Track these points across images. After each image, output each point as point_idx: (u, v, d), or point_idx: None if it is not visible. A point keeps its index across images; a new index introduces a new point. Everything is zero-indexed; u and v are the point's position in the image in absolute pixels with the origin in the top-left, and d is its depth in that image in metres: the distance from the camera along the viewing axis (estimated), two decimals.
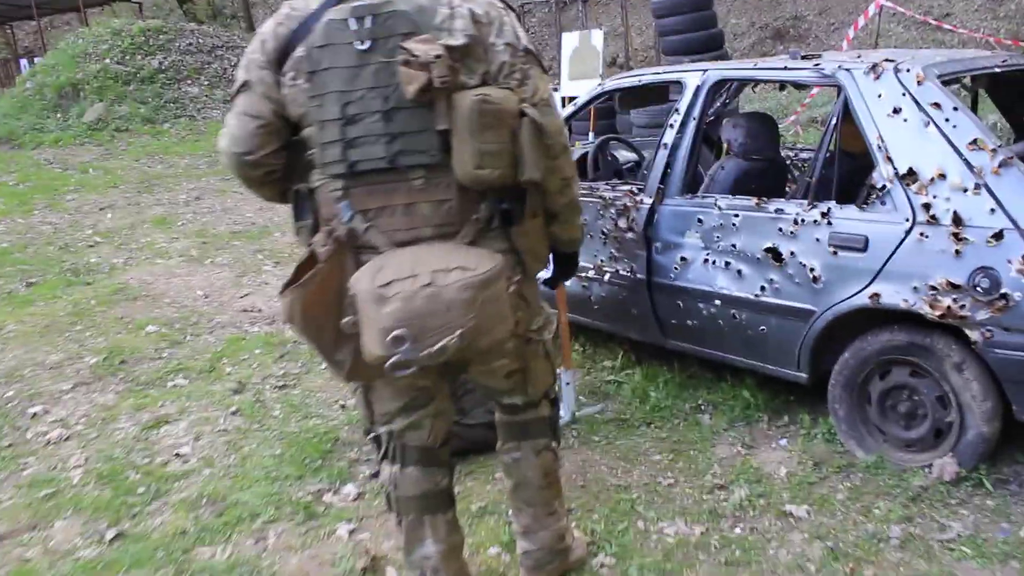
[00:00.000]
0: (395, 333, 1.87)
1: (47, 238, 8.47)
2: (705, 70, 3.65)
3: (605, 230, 3.85)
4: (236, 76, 2.13)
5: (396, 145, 1.99)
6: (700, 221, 3.46)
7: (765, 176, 3.74)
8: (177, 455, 3.83)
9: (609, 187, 3.86)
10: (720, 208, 3.39)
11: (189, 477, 3.61)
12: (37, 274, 7.13)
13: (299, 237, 2.19)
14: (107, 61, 16.31)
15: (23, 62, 22.64)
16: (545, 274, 2.47)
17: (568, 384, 3.69)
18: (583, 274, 4.00)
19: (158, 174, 11.65)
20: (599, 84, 4.14)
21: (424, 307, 1.87)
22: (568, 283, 4.06)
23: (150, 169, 12.12)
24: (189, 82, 16.60)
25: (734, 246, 3.34)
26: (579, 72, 9.95)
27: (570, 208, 2.24)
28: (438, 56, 1.90)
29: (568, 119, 4.26)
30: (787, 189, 4.00)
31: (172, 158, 12.86)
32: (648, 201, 3.65)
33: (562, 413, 3.72)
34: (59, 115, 15.62)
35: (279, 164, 2.14)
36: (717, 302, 3.43)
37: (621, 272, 3.80)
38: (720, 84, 3.69)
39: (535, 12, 18.34)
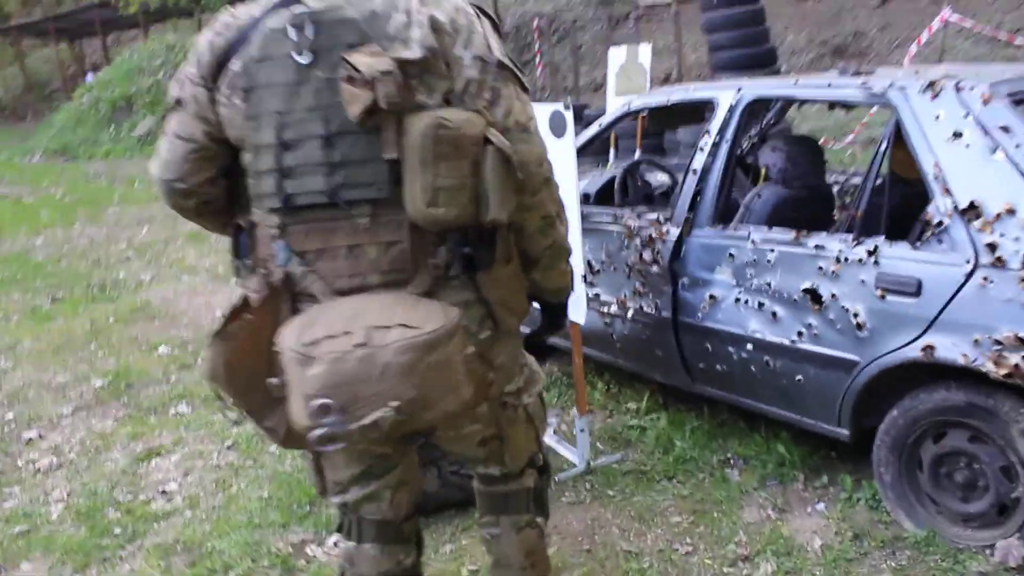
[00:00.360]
0: (319, 402, 1.56)
1: (82, 251, 8.41)
2: (739, 88, 3.29)
3: (629, 262, 3.51)
4: (169, 93, 1.84)
5: (338, 176, 1.68)
6: (731, 256, 3.10)
7: (807, 206, 3.36)
8: (163, 492, 3.58)
9: (634, 215, 3.52)
10: (754, 242, 3.03)
11: (170, 518, 3.35)
12: (64, 289, 7.03)
13: (238, 278, 1.89)
14: (160, 76, 16.47)
15: (89, 76, 23.11)
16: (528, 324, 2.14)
17: (583, 431, 3.35)
18: (605, 309, 3.66)
19: None
20: (625, 103, 3.81)
21: (355, 372, 1.55)
22: (587, 319, 3.74)
23: None
24: None
25: (768, 285, 2.98)
26: (625, 88, 9.61)
27: (553, 252, 1.89)
28: (386, 72, 1.58)
29: (592, 140, 3.94)
30: (835, 218, 3.62)
31: None
32: (675, 232, 3.30)
33: (575, 461, 3.39)
34: (112, 129, 15.83)
35: (215, 193, 1.85)
36: (749, 347, 3.06)
37: (645, 309, 3.45)
38: (756, 104, 3.33)
39: (588, 28, 18.02)
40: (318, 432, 1.58)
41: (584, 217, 3.71)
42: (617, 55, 9.77)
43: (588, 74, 16.16)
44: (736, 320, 3.10)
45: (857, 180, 4.21)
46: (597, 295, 3.71)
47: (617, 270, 3.60)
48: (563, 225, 1.87)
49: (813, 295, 2.84)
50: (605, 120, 3.87)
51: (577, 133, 3.34)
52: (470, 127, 1.63)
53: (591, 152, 9.86)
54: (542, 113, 3.04)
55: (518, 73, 1.75)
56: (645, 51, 9.40)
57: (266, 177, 1.73)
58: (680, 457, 3.37)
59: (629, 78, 9.62)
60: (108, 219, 9.95)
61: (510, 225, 1.78)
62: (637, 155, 5.62)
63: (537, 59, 14.64)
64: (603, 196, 4.21)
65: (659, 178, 4.51)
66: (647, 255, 3.41)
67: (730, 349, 3.15)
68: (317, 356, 1.57)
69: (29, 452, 4.08)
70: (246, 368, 1.75)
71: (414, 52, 1.63)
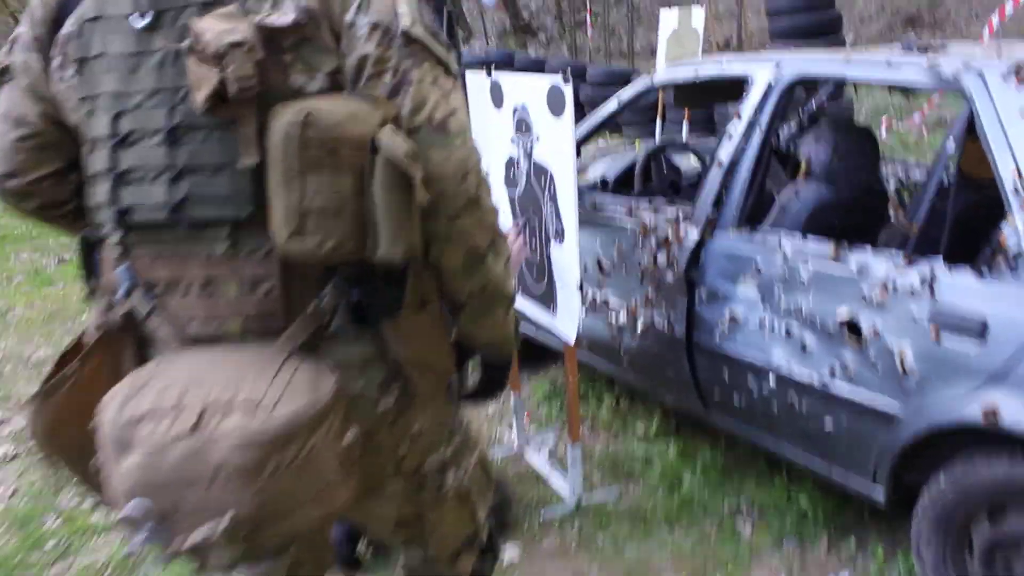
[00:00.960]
0: (132, 504, 1.13)
1: None
2: (778, 64, 2.75)
3: (642, 265, 3.01)
4: None
5: (182, 187, 1.23)
6: (758, 268, 2.59)
7: (854, 210, 2.82)
8: None
9: (650, 209, 3.02)
10: (785, 253, 2.51)
11: (110, 533, 2.99)
12: (71, 251, 6.74)
13: (91, 304, 1.46)
14: None
15: None
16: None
17: (575, 461, 2.89)
18: (614, 317, 3.18)
19: None
20: (647, 76, 3.28)
21: (178, 470, 1.11)
22: (594, 326, 3.26)
23: None
24: None
25: (800, 308, 2.46)
26: (677, 55, 8.95)
27: (484, 298, 1.39)
28: (237, 43, 1.12)
29: (610, 119, 3.42)
30: (891, 218, 3.08)
31: None
32: (694, 234, 2.79)
33: (565, 497, 2.94)
34: None
35: (63, 196, 1.41)
36: (772, 381, 2.56)
37: (657, 322, 2.96)
38: (798, 83, 2.78)
39: None
40: (135, 540, 1.17)
41: (597, 207, 3.22)
42: (668, 18, 9.11)
43: (644, 37, 15.40)
44: (759, 347, 2.60)
45: (919, 175, 3.63)
46: (606, 300, 3.23)
47: (629, 273, 3.10)
48: (499, 260, 1.38)
49: (852, 327, 2.32)
50: (624, 95, 3.34)
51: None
52: (353, 125, 1.16)
53: (635, 122, 9.33)
54: (539, 86, 2.55)
55: (438, 50, 1.27)
56: (699, 14, 8.73)
57: (100, 181, 1.30)
58: (687, 499, 2.89)
59: (681, 44, 8.97)
60: None
61: (427, 258, 1.32)
62: (657, 137, 5.03)
63: (588, 19, 13.95)
64: (625, 182, 3.70)
65: (692, 163, 3.97)
66: (661, 259, 2.91)
67: (750, 380, 2.65)
68: (135, 441, 1.15)
69: None
70: (76, 432, 1.33)
71: (285, 15, 1.17)
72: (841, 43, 8.96)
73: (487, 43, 16.75)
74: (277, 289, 1.24)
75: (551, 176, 2.62)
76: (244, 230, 1.23)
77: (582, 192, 3.41)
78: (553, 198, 2.63)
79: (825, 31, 8.87)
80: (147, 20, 1.21)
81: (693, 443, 3.24)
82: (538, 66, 11.75)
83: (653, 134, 9.27)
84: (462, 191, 1.26)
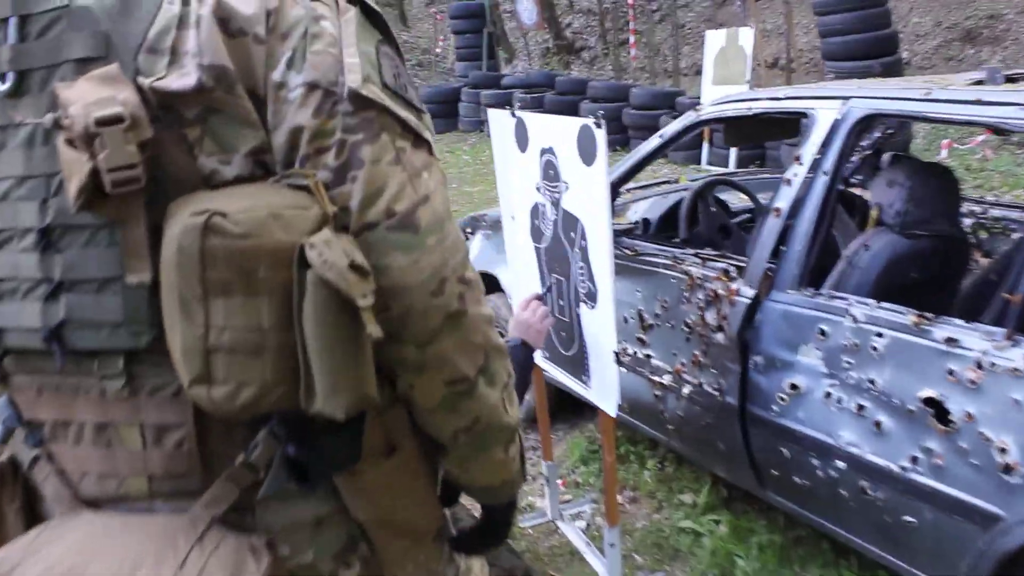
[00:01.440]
0: None
1: None
2: (846, 98, 2.41)
3: (689, 322, 2.68)
4: None
5: (60, 306, 0.93)
6: (823, 333, 2.25)
7: (932, 262, 2.47)
8: None
9: (697, 260, 2.69)
10: (855, 319, 2.17)
11: None
12: None
13: None
14: None
15: None
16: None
17: (612, 546, 2.55)
18: (657, 378, 2.85)
19: None
20: (695, 111, 2.97)
21: None
22: (635, 385, 2.94)
23: None
24: None
25: (872, 383, 2.12)
26: (724, 76, 8.63)
27: (477, 435, 1.06)
28: (110, 119, 0.83)
29: (651, 156, 3.10)
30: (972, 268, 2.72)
31: None
32: (748, 292, 2.45)
33: None
34: None
35: None
36: (840, 463, 2.22)
37: (705, 387, 2.62)
38: (869, 121, 2.44)
39: (692, 6, 16.88)
40: None
41: (637, 253, 2.91)
42: (715, 39, 8.79)
43: (690, 56, 15.02)
44: (824, 423, 2.25)
45: (999, 212, 3.26)
46: (648, 357, 2.91)
47: (675, 329, 2.78)
48: (496, 385, 1.05)
49: (938, 409, 1.97)
50: (667, 132, 3.02)
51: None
52: (274, 230, 0.85)
53: (680, 147, 8.96)
54: (568, 129, 2.24)
55: (404, 114, 0.95)
56: (746, 35, 8.39)
57: None
58: None
59: (728, 65, 8.64)
60: None
61: (394, 388, 1.02)
62: (703, 159, 4.68)
63: (631, 39, 13.64)
64: (668, 223, 3.38)
65: (742, 202, 3.64)
66: (711, 317, 2.58)
67: (814, 460, 2.30)
68: None
69: None
70: None
71: (185, 76, 0.87)
72: (897, 63, 8.54)
73: (529, 63, 16.52)
74: (191, 440, 0.93)
75: (582, 229, 2.31)
76: (143, 363, 0.92)
77: (621, 235, 3.11)
78: (584, 255, 2.32)
79: (880, 51, 8.45)
80: (8, 84, 0.91)
81: (747, 519, 2.89)
82: (579, 86, 11.48)
83: (699, 159, 8.92)
84: (437, 306, 0.95)
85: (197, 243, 0.82)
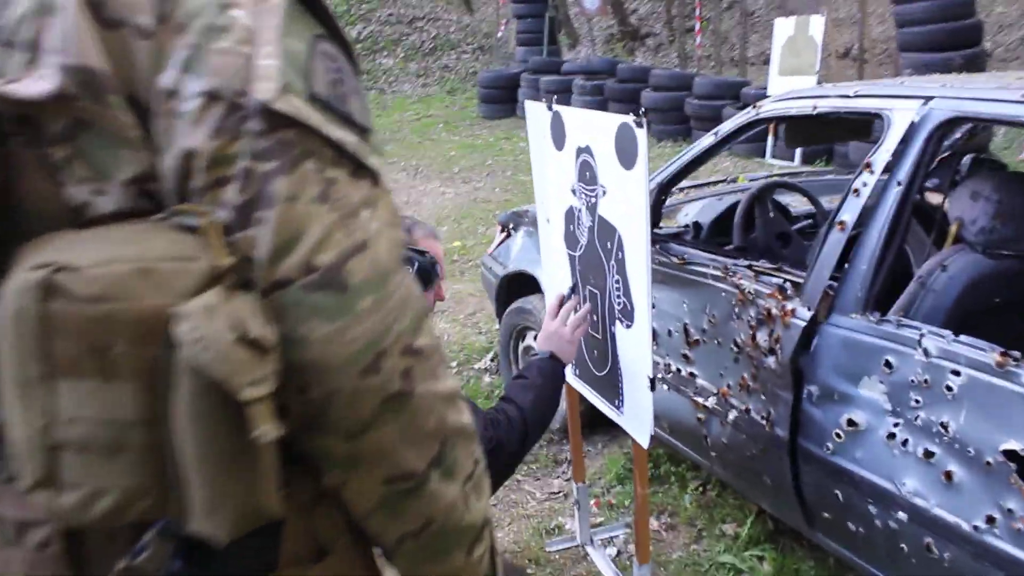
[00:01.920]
0: None
1: None
2: (927, 98, 2.12)
3: (738, 341, 2.43)
4: None
5: None
6: (889, 366, 1.98)
7: (1018, 284, 2.17)
8: None
9: (750, 273, 2.43)
10: (927, 352, 1.90)
11: None
12: None
13: None
14: None
15: None
16: None
17: None
18: (701, 400, 2.61)
19: None
20: (754, 108, 2.69)
21: None
22: (677, 405, 2.70)
23: None
24: (385, 54, 16.12)
25: (945, 427, 1.85)
26: (791, 67, 8.25)
27: (429, 538, 0.83)
28: None
29: (706, 155, 2.83)
30: None
31: None
32: (805, 314, 2.19)
33: None
34: None
35: None
36: (902, 514, 1.95)
37: (753, 415, 2.37)
38: (952, 125, 2.15)
39: None
40: None
41: (685, 262, 2.66)
42: (784, 27, 8.39)
43: (758, 45, 14.52)
44: (886, 467, 1.99)
45: None
46: (692, 375, 2.66)
47: (722, 347, 2.53)
48: (455, 478, 0.82)
49: (1022, 465, 1.70)
50: (723, 129, 2.75)
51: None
52: (139, 292, 0.64)
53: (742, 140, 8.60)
54: (606, 127, 2.01)
55: (337, 134, 0.73)
56: (817, 23, 7.99)
57: None
58: None
59: (797, 54, 8.24)
60: None
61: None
62: (768, 152, 4.33)
63: (697, 26, 13.21)
64: (722, 228, 3.12)
65: (804, 207, 3.35)
66: (762, 338, 2.32)
67: (871, 507, 2.04)
68: None
69: None
70: None
71: (42, 79, 0.66)
72: (980, 55, 8.04)
73: (593, 49, 16.18)
74: (57, 541, 0.73)
75: (619, 240, 2.07)
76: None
77: (669, 240, 2.86)
78: (621, 268, 2.08)
79: (962, 42, 7.96)
80: None
81: (795, 557, 2.64)
82: (641, 74, 11.14)
83: (763, 152, 8.55)
84: (370, 388, 0.73)
85: (35, 307, 0.62)
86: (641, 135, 1.88)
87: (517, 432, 1.88)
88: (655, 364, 2.82)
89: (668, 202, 3.29)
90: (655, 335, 2.83)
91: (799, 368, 2.21)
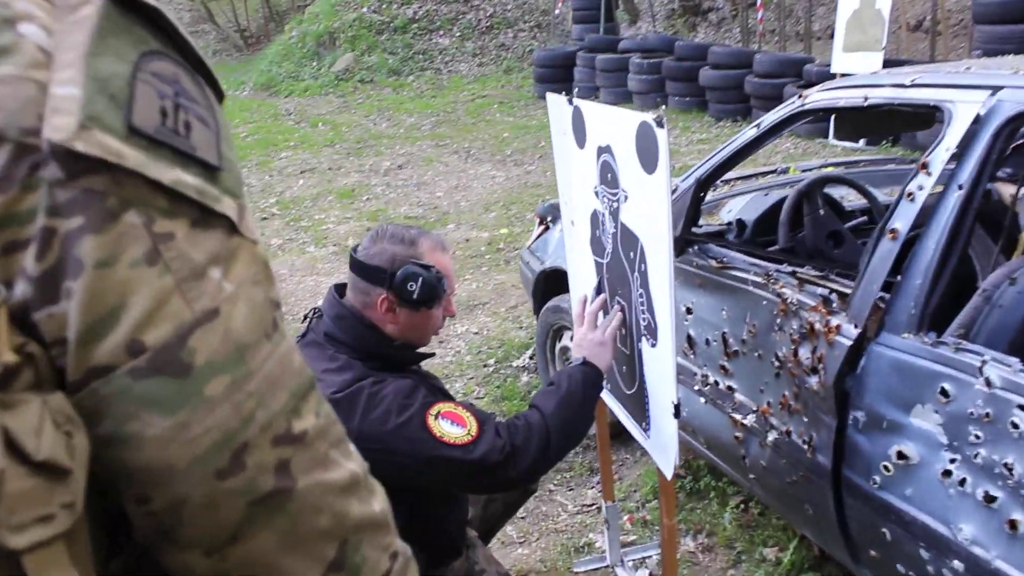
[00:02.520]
0: None
1: None
2: (995, 88, 1.87)
3: (780, 355, 2.22)
4: None
5: None
6: (945, 394, 1.76)
7: None
8: None
9: (794, 281, 2.21)
10: (990, 382, 1.67)
11: None
12: None
13: None
14: (364, 10, 16.03)
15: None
16: None
17: None
18: (739, 416, 2.40)
19: (377, 134, 10.99)
20: (800, 97, 2.44)
21: None
22: (714, 421, 2.51)
23: (373, 127, 11.52)
24: (441, 33, 15.94)
25: (1009, 469, 1.62)
26: (856, 43, 7.83)
27: None
28: None
29: (748, 149, 2.60)
30: None
31: (400, 115, 12.20)
32: (851, 332, 1.97)
33: None
34: (314, 64, 15.59)
35: None
36: (958, 563, 1.73)
37: (795, 438, 2.16)
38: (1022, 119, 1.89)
39: None
40: None
41: (725, 265, 2.45)
42: (848, 0, 7.96)
43: (824, 17, 13.93)
44: (940, 509, 1.77)
45: None
46: (731, 389, 2.46)
47: (763, 361, 2.32)
48: None
49: None
50: (766, 121, 2.52)
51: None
52: None
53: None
54: (625, 126, 1.81)
55: (168, 175, 0.56)
56: None
57: None
58: None
59: (862, 29, 7.82)
60: (276, 166, 9.52)
61: None
62: (831, 135, 4.00)
63: (759, 1, 12.71)
64: (768, 226, 2.88)
65: (861, 201, 3.09)
66: (805, 355, 2.11)
67: (923, 552, 1.82)
68: None
69: None
70: None
71: None
72: None
73: (653, 25, 15.75)
74: None
75: (642, 250, 1.88)
76: None
77: (709, 240, 2.65)
78: (644, 282, 1.89)
79: None
80: None
81: None
82: (699, 52, 10.76)
83: (826, 133, 8.15)
84: (231, 492, 0.58)
85: None
86: (662, 136, 1.68)
87: (537, 438, 1.75)
88: (692, 374, 2.64)
89: (711, 196, 3.08)
90: (692, 343, 2.63)
91: (844, 391, 1.99)
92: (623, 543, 2.71)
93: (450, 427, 1.68)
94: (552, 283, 3.68)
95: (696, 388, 2.62)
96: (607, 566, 2.64)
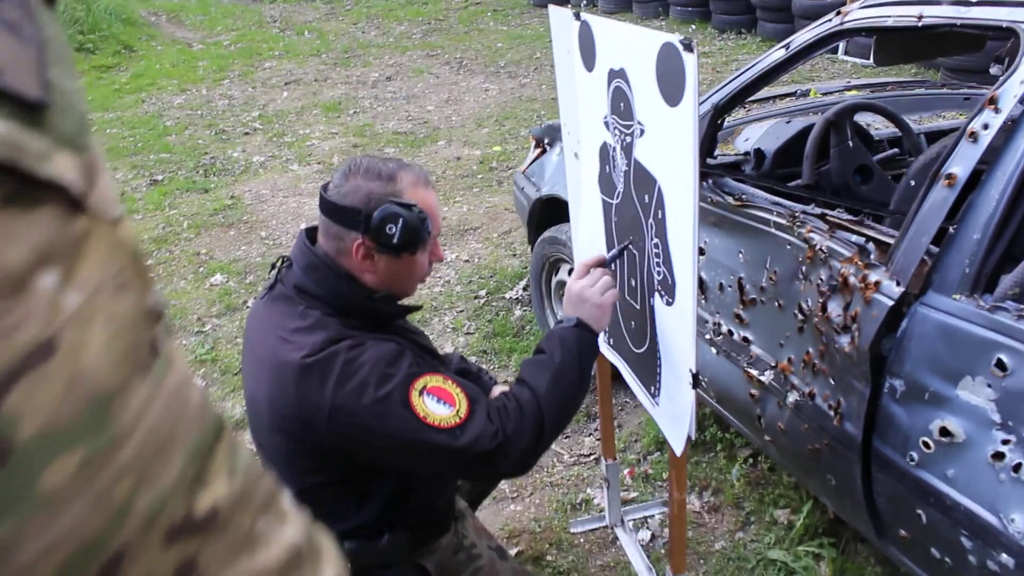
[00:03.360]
0: None
1: (211, 118, 7.61)
2: None
3: (804, 307, 1.99)
4: None
5: None
6: (1002, 366, 1.53)
7: None
8: None
9: (823, 225, 1.96)
10: None
11: None
12: (169, 170, 6.21)
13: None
14: None
15: None
16: None
17: None
18: (754, 371, 2.18)
19: (365, 43, 10.50)
20: (837, 15, 2.14)
21: None
22: (727, 372, 2.30)
23: (362, 36, 11.01)
24: None
25: None
26: None
27: None
28: None
29: (774, 72, 2.31)
30: None
31: (389, 24, 11.67)
32: (892, 290, 1.73)
33: None
34: None
35: None
36: (1007, 557, 1.53)
37: (819, 401, 1.95)
38: None
39: None
40: None
41: (743, 203, 2.20)
42: None
43: None
44: (988, 495, 1.56)
45: None
46: (746, 341, 2.23)
47: (784, 312, 2.08)
48: None
49: None
50: (796, 41, 2.22)
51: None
52: None
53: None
54: (644, 48, 1.52)
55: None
56: None
57: None
58: None
59: None
60: (258, 77, 9.09)
61: None
62: (818, 92, 3.66)
63: None
64: (790, 157, 2.61)
65: (888, 129, 2.81)
66: (835, 310, 1.87)
67: (965, 541, 1.62)
68: None
69: None
70: None
71: None
72: None
73: None
74: None
75: (660, 194, 1.62)
76: None
77: (724, 172, 2.39)
78: (661, 230, 1.64)
79: None
80: None
81: (858, 561, 2.24)
82: None
83: (834, 47, 7.75)
84: None
85: None
86: (691, 63, 1.40)
87: (531, 422, 1.51)
88: (703, 321, 2.41)
89: (724, 124, 2.79)
90: (703, 286, 2.40)
91: (880, 355, 1.76)
92: (623, 500, 2.53)
93: (436, 405, 1.45)
94: (549, 211, 3.42)
95: (708, 337, 2.40)
96: (606, 526, 2.47)
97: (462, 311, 3.90)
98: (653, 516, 2.50)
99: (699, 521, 2.47)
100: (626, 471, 2.69)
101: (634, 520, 2.49)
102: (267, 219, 5.12)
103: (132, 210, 5.43)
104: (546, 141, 3.56)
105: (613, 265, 1.86)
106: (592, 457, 2.81)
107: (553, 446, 2.90)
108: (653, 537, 2.44)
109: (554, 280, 3.43)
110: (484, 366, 3.42)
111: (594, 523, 2.49)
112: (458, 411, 1.45)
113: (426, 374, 1.48)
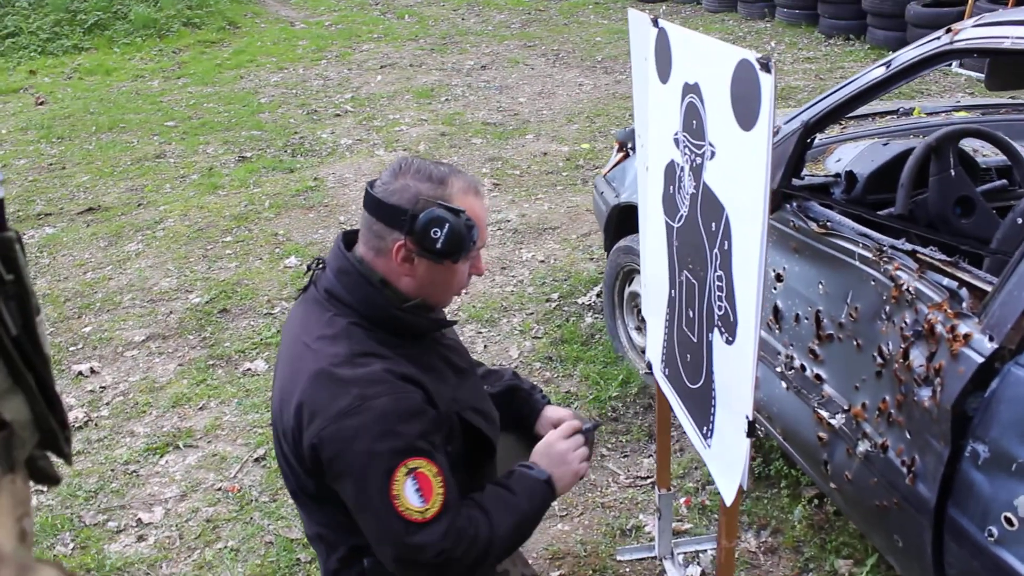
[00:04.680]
0: None
1: (305, 97, 7.69)
2: None
3: (884, 350, 1.82)
4: None
5: None
6: None
7: None
8: (139, 521, 2.61)
9: (913, 264, 1.79)
10: None
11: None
12: (259, 147, 6.29)
13: None
14: None
15: None
16: None
17: None
18: (824, 413, 2.03)
19: (464, 30, 10.46)
20: (947, 33, 1.94)
21: None
22: (795, 409, 2.14)
23: (462, 23, 10.98)
24: None
25: None
26: None
27: None
28: None
29: (873, 91, 2.13)
30: None
31: (490, 11, 11.60)
32: (984, 346, 1.56)
33: None
34: None
35: None
36: None
37: (891, 455, 1.78)
38: None
39: None
40: None
41: (827, 230, 2.05)
42: None
43: None
44: None
45: None
46: (819, 379, 2.08)
47: (862, 352, 1.92)
48: None
49: None
50: (897, 60, 2.04)
51: None
52: None
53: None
54: (719, 63, 1.39)
55: None
56: None
57: None
58: None
59: None
60: (355, 59, 9.15)
61: None
62: (922, 112, 3.40)
63: None
64: (884, 182, 2.42)
65: (997, 157, 2.58)
66: (917, 360, 1.71)
67: None
68: None
69: (65, 396, 3.29)
70: None
71: None
72: None
73: None
74: None
75: (727, 223, 1.49)
76: None
77: (811, 195, 2.23)
78: (726, 262, 1.50)
79: None
80: None
81: None
82: None
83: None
84: None
85: None
86: (767, 83, 1.27)
87: (475, 555, 1.47)
88: (775, 352, 2.26)
89: (815, 143, 2.62)
90: (779, 316, 2.24)
91: (965, 414, 1.60)
92: (676, 531, 2.41)
93: (412, 493, 1.40)
94: (626, 219, 3.29)
95: (778, 370, 2.24)
96: (654, 557, 2.34)
97: (532, 313, 3.80)
98: (706, 551, 2.37)
99: (754, 562, 2.32)
100: (682, 500, 2.56)
101: (685, 554, 2.36)
102: (347, 203, 5.12)
103: (218, 186, 5.51)
104: (629, 146, 3.43)
105: (592, 436, 1.77)
106: (649, 481, 2.69)
107: (609, 464, 2.79)
108: (703, 575, 2.31)
109: (627, 291, 3.30)
110: (547, 374, 3.33)
111: (642, 552, 2.37)
112: (427, 510, 1.40)
113: (424, 457, 1.42)
